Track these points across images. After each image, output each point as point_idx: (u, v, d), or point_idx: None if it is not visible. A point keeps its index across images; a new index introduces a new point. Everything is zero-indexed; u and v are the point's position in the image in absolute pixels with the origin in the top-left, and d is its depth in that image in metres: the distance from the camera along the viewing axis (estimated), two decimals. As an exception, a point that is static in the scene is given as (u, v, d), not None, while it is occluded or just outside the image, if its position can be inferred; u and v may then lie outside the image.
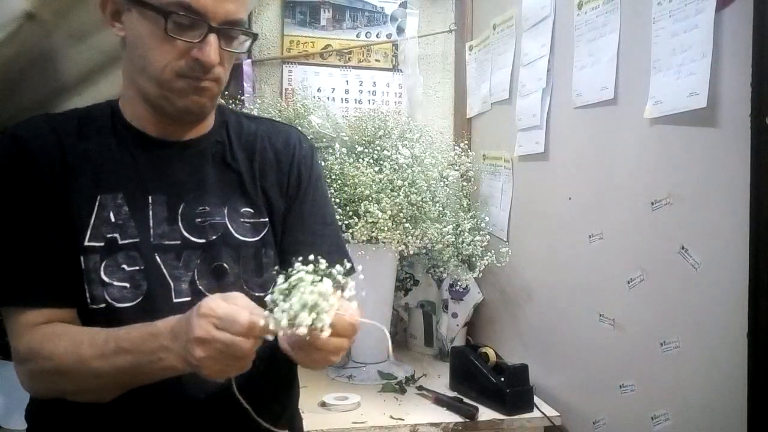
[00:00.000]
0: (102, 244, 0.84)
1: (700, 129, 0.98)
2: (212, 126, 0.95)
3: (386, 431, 1.27)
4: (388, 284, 1.63)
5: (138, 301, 0.84)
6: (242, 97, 1.73)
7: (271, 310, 0.68)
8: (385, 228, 1.41)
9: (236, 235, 0.90)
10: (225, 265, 0.89)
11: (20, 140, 0.84)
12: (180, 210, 0.88)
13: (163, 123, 0.89)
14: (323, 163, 1.54)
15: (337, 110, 1.77)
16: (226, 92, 1.79)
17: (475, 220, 1.61)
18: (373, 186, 1.44)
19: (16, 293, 0.82)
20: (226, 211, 0.91)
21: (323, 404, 1.36)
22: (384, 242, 1.45)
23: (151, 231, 0.87)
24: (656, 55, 1.07)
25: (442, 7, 1.99)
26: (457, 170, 1.63)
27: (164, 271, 0.86)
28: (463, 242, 1.55)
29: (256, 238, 0.92)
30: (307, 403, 1.37)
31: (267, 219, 0.94)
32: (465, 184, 1.70)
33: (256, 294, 0.89)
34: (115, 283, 0.84)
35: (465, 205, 1.69)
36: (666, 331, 1.05)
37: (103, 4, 0.85)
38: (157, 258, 0.86)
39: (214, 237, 0.89)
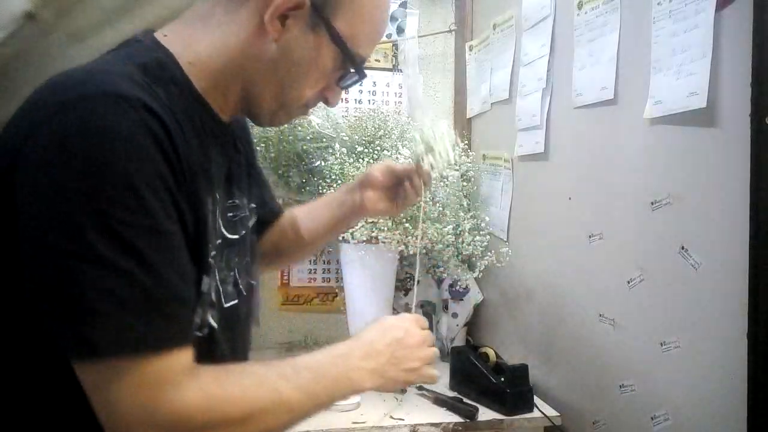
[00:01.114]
0: (214, 252, 0.71)
1: (700, 129, 0.98)
2: None
3: (386, 431, 1.27)
4: (388, 284, 1.63)
5: (233, 303, 0.76)
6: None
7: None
8: (385, 228, 1.41)
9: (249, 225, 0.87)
10: (248, 258, 0.84)
11: (154, 114, 0.60)
12: (217, 205, 0.75)
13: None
14: (323, 163, 1.54)
15: (337, 110, 1.76)
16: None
17: (475, 220, 1.61)
18: (373, 186, 1.44)
19: (169, 333, 0.59)
20: (246, 202, 0.85)
21: (323, 404, 1.36)
22: (384, 242, 1.45)
23: (207, 236, 0.73)
24: (656, 55, 1.07)
25: (442, 7, 1.98)
26: (457, 170, 1.63)
27: (217, 276, 0.73)
28: (463, 242, 1.55)
29: (252, 225, 0.88)
30: (307, 403, 1.38)
31: (255, 204, 0.91)
32: (465, 184, 1.70)
33: (253, 282, 0.86)
34: (226, 305, 0.74)
35: (465, 205, 1.69)
36: (666, 331, 1.05)
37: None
38: (211, 261, 0.72)
39: (243, 232, 0.81)
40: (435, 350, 0.87)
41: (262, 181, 1.03)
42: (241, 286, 0.79)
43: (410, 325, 0.85)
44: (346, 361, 0.77)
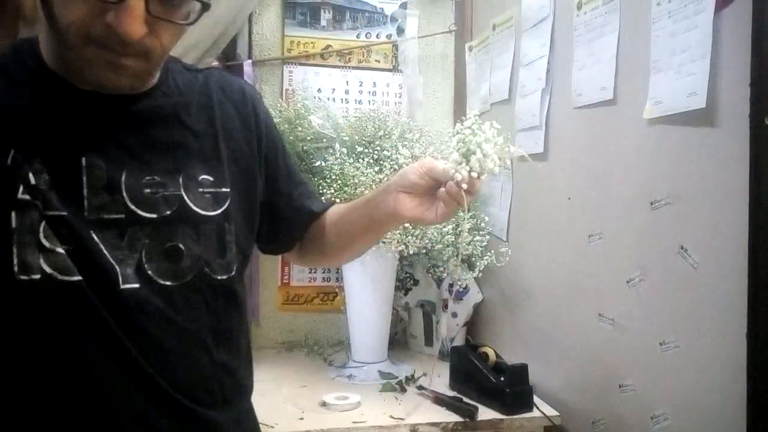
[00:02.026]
0: (39, 201, 0.68)
1: (700, 129, 0.98)
2: (158, 76, 0.79)
3: (386, 431, 1.28)
4: (388, 284, 1.63)
5: (74, 279, 0.69)
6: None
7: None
8: (385, 228, 1.41)
9: (195, 208, 0.78)
10: (181, 245, 0.76)
11: None
12: (123, 178, 0.73)
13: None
14: (323, 164, 1.54)
15: (337, 111, 1.77)
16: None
17: (475, 220, 1.61)
18: (373, 186, 1.44)
19: None
20: (181, 180, 0.77)
21: (323, 404, 1.37)
22: (384, 242, 1.45)
23: (86, 202, 0.71)
24: (656, 55, 1.07)
25: (442, 7, 1.99)
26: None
27: (104, 251, 0.71)
28: (462, 242, 1.55)
29: (218, 212, 0.80)
30: (307, 403, 1.38)
31: (228, 189, 0.82)
32: (465, 184, 1.70)
33: (219, 278, 0.80)
34: (58, 250, 0.69)
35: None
36: (666, 331, 1.06)
37: None
38: (93, 236, 0.71)
39: (167, 212, 0.75)
40: None
41: (279, 173, 0.95)
42: (149, 272, 0.73)
43: None
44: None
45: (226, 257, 0.81)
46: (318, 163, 1.55)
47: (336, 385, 1.53)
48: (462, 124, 0.84)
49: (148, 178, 0.75)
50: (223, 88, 0.86)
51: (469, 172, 0.82)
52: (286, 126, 1.58)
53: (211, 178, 0.80)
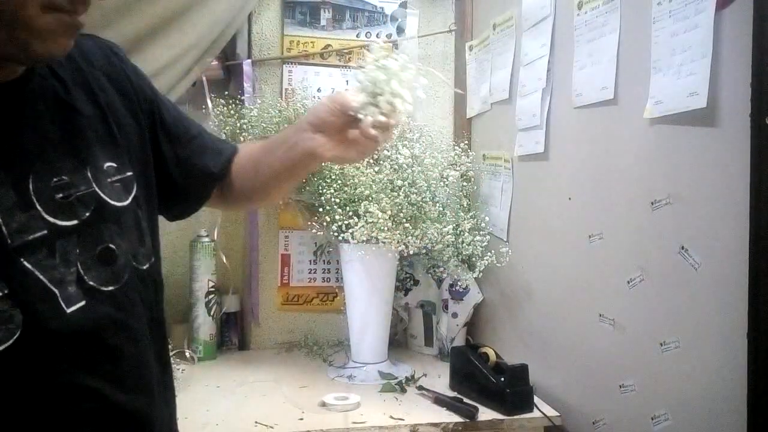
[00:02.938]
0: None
1: (700, 129, 0.98)
2: None
3: (386, 431, 1.27)
4: (388, 284, 1.63)
5: (12, 341, 0.60)
6: (242, 97, 1.73)
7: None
8: (385, 228, 1.41)
9: (112, 202, 0.71)
10: (111, 245, 0.70)
11: None
12: (31, 187, 0.64)
13: None
14: (323, 163, 1.54)
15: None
16: (226, 92, 1.79)
17: (475, 220, 1.61)
18: (373, 186, 1.44)
19: None
20: (89, 175, 0.70)
21: (323, 404, 1.36)
22: (384, 242, 1.45)
23: (3, 229, 0.61)
24: (656, 55, 1.07)
25: (442, 7, 1.99)
26: (457, 170, 1.63)
27: (41, 278, 0.63)
28: (463, 242, 1.55)
29: (130, 200, 0.75)
30: (307, 403, 1.38)
31: (132, 172, 0.76)
32: (465, 184, 1.70)
33: (144, 268, 0.75)
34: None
35: (465, 205, 1.69)
36: (666, 331, 1.06)
37: None
38: (25, 264, 0.62)
39: (87, 214, 0.68)
40: None
41: (169, 133, 0.88)
42: (91, 283, 0.67)
43: None
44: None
45: (146, 245, 0.77)
46: (318, 163, 1.55)
47: (336, 385, 1.52)
48: (366, 60, 0.79)
49: (55, 180, 0.66)
50: (86, 57, 0.77)
51: (381, 113, 0.78)
52: (286, 126, 1.58)
53: (115, 165, 0.74)
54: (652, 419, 1.08)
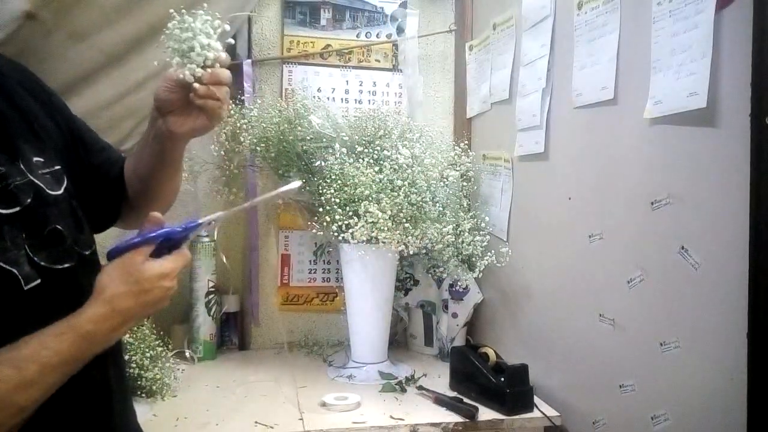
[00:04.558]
0: None
1: (700, 129, 0.98)
2: None
3: (386, 431, 1.27)
4: (388, 284, 1.63)
5: None
6: (242, 97, 1.73)
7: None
8: (385, 228, 1.41)
9: (48, 191, 0.77)
10: (59, 227, 0.76)
11: None
12: None
13: None
14: (323, 163, 1.54)
15: (337, 110, 1.77)
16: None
17: (475, 220, 1.61)
18: (373, 186, 1.44)
19: None
20: (22, 166, 0.75)
21: (323, 404, 1.36)
22: (384, 242, 1.45)
23: None
24: (656, 55, 1.07)
25: (442, 7, 1.99)
26: (457, 170, 1.63)
27: None
28: (463, 242, 1.55)
29: (62, 190, 0.80)
30: (307, 403, 1.38)
31: (60, 167, 0.81)
32: (465, 184, 1.70)
33: (86, 253, 0.80)
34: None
35: (465, 205, 1.69)
36: (666, 331, 1.06)
37: None
38: None
39: (28, 200, 0.73)
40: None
41: (78, 134, 0.93)
42: (42, 262, 0.72)
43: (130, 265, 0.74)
44: (91, 340, 0.69)
45: (85, 232, 0.82)
46: (318, 163, 1.55)
47: (336, 385, 1.52)
48: (168, 25, 0.83)
49: None
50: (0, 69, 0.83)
51: (200, 66, 0.82)
52: (286, 126, 1.58)
53: (42, 159, 0.79)
54: (652, 419, 1.08)
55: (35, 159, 0.77)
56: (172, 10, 0.82)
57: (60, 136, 0.86)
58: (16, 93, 0.81)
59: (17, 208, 0.71)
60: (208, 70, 0.82)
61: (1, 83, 0.80)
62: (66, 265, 0.75)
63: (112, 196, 0.98)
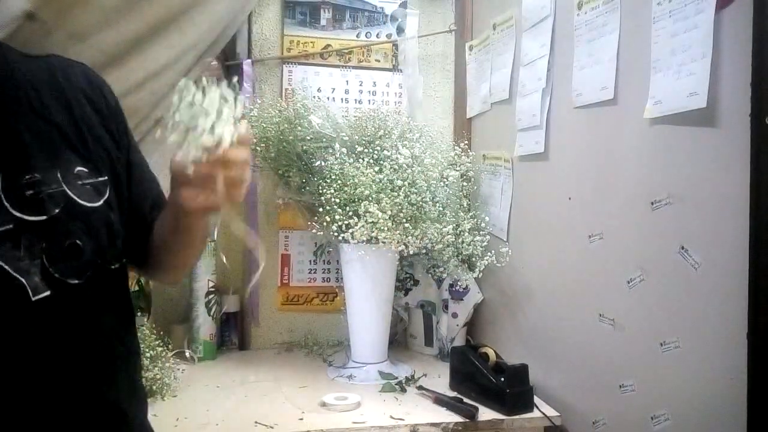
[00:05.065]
0: None
1: (700, 129, 0.98)
2: None
3: (386, 431, 1.27)
4: (388, 284, 1.63)
5: None
6: (242, 97, 1.73)
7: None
8: (385, 228, 1.41)
9: (81, 202, 0.75)
10: (78, 242, 0.74)
11: None
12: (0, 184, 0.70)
13: None
14: (323, 163, 1.54)
15: (337, 110, 1.77)
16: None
17: (475, 220, 1.61)
18: (373, 186, 1.44)
19: None
20: (59, 175, 0.74)
21: (323, 404, 1.36)
22: (384, 242, 1.45)
23: None
24: (656, 55, 1.07)
25: (442, 7, 1.99)
26: (457, 170, 1.63)
27: (5, 267, 0.68)
28: (463, 242, 1.55)
29: (101, 202, 0.78)
30: (307, 403, 1.38)
31: (107, 177, 0.80)
32: (465, 184, 1.70)
33: (113, 268, 0.79)
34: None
35: (465, 205, 1.69)
36: (666, 331, 1.05)
37: None
38: None
39: (56, 211, 0.72)
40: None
41: (133, 172, 0.89)
42: (56, 275, 0.71)
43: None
44: None
45: (116, 246, 0.80)
46: (318, 163, 1.55)
47: (336, 385, 1.52)
48: (174, 101, 0.72)
49: (27, 177, 0.72)
50: (67, 75, 0.82)
51: (199, 147, 0.70)
52: (286, 126, 1.58)
53: (86, 169, 0.78)
54: (652, 419, 1.08)
55: (78, 168, 0.77)
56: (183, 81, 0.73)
57: (113, 148, 0.84)
58: (76, 101, 0.80)
59: (43, 217, 0.71)
60: (199, 155, 0.70)
61: (62, 91, 0.80)
62: (75, 281, 0.73)
63: (137, 231, 0.90)
